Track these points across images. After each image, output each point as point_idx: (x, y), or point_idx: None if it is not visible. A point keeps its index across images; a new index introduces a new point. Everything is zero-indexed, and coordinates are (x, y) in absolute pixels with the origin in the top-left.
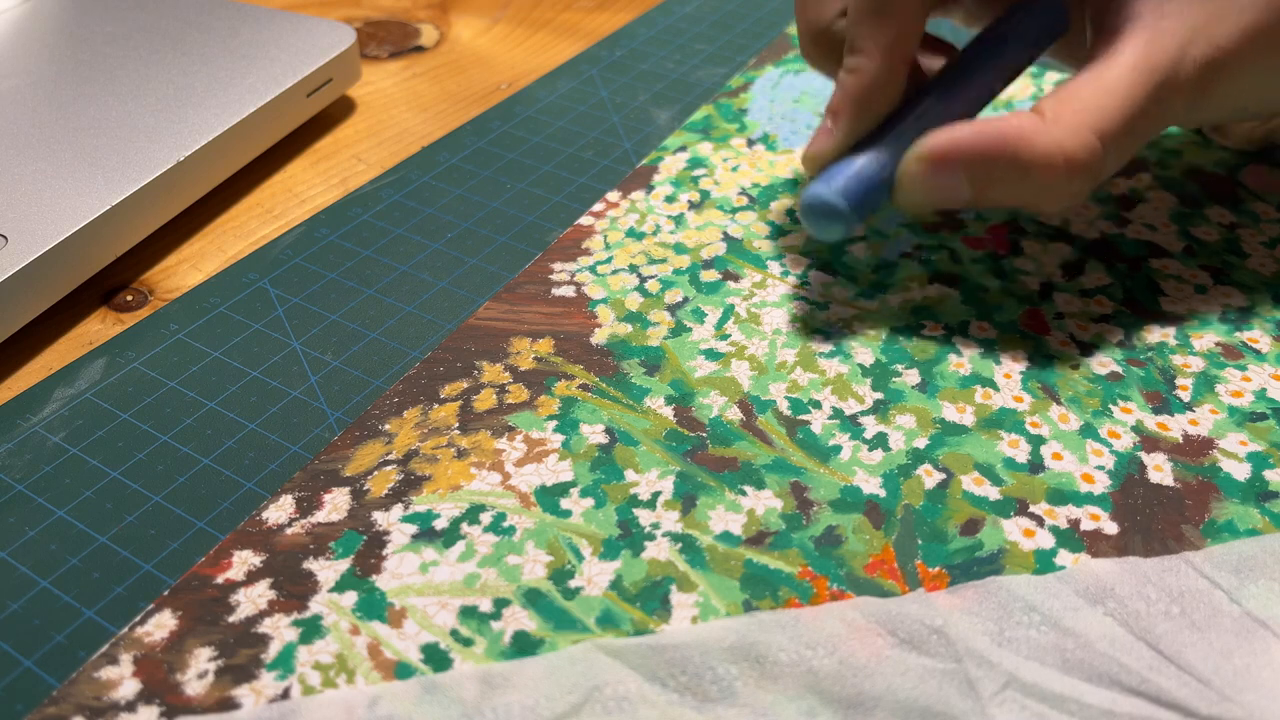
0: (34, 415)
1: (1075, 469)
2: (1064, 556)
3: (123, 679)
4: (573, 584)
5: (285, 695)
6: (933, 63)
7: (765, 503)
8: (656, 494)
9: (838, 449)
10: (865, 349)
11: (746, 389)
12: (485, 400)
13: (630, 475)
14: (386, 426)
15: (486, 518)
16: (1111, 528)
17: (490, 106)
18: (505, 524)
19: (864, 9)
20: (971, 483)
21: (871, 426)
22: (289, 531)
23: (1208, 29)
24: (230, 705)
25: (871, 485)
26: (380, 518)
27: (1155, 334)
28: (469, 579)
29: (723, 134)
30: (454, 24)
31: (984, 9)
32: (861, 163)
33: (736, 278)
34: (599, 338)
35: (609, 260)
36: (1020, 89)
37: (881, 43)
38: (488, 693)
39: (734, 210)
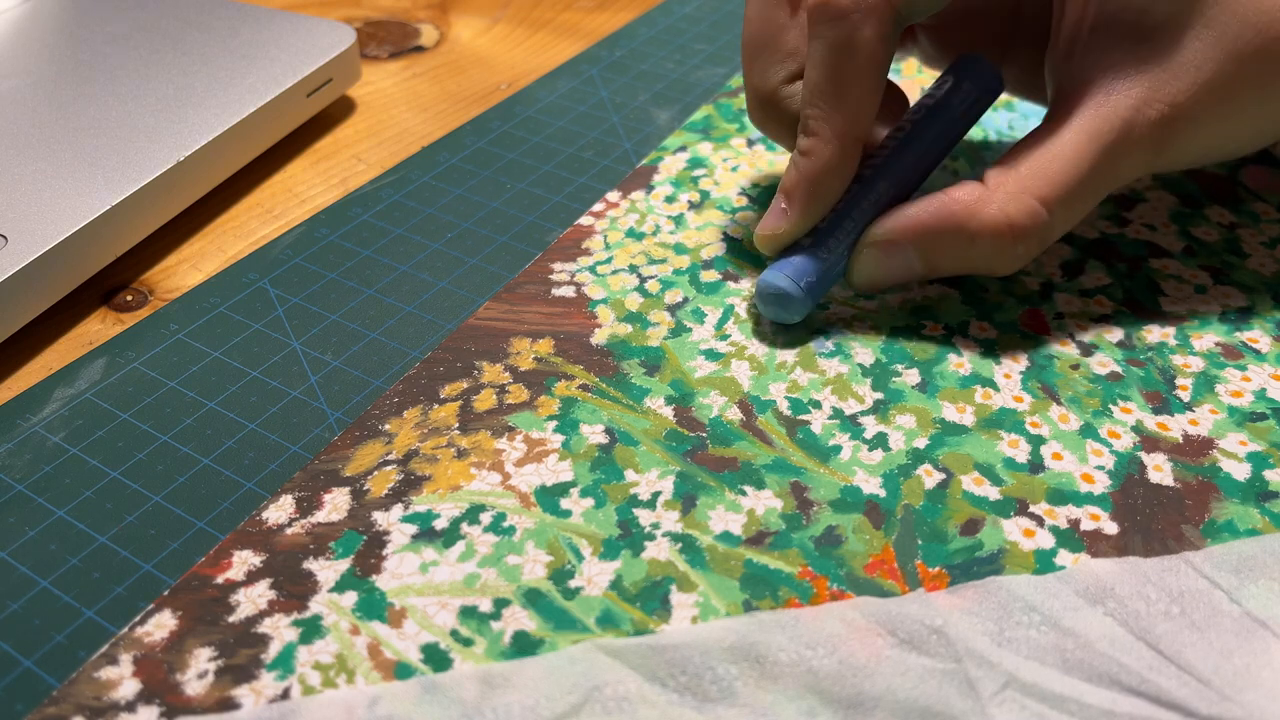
0: (34, 415)
1: (1075, 469)
2: (1064, 556)
3: (123, 679)
4: (573, 584)
5: (285, 695)
6: (879, 128)
7: (765, 503)
8: (656, 494)
9: (838, 449)
10: (865, 349)
11: (746, 389)
12: (485, 400)
13: (630, 475)
14: (386, 426)
15: (486, 518)
16: (1111, 528)
17: (490, 106)
18: (505, 524)
19: (819, 92)
20: (971, 483)
21: (871, 426)
22: (289, 531)
23: (1161, 88)
24: (230, 705)
25: (871, 485)
26: (380, 518)
27: (1155, 334)
28: (469, 579)
29: (723, 134)
30: (454, 24)
31: (940, 51)
32: (815, 251)
33: (736, 278)
34: (599, 338)
35: (609, 260)
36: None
37: (837, 128)
38: (488, 693)
39: (734, 210)
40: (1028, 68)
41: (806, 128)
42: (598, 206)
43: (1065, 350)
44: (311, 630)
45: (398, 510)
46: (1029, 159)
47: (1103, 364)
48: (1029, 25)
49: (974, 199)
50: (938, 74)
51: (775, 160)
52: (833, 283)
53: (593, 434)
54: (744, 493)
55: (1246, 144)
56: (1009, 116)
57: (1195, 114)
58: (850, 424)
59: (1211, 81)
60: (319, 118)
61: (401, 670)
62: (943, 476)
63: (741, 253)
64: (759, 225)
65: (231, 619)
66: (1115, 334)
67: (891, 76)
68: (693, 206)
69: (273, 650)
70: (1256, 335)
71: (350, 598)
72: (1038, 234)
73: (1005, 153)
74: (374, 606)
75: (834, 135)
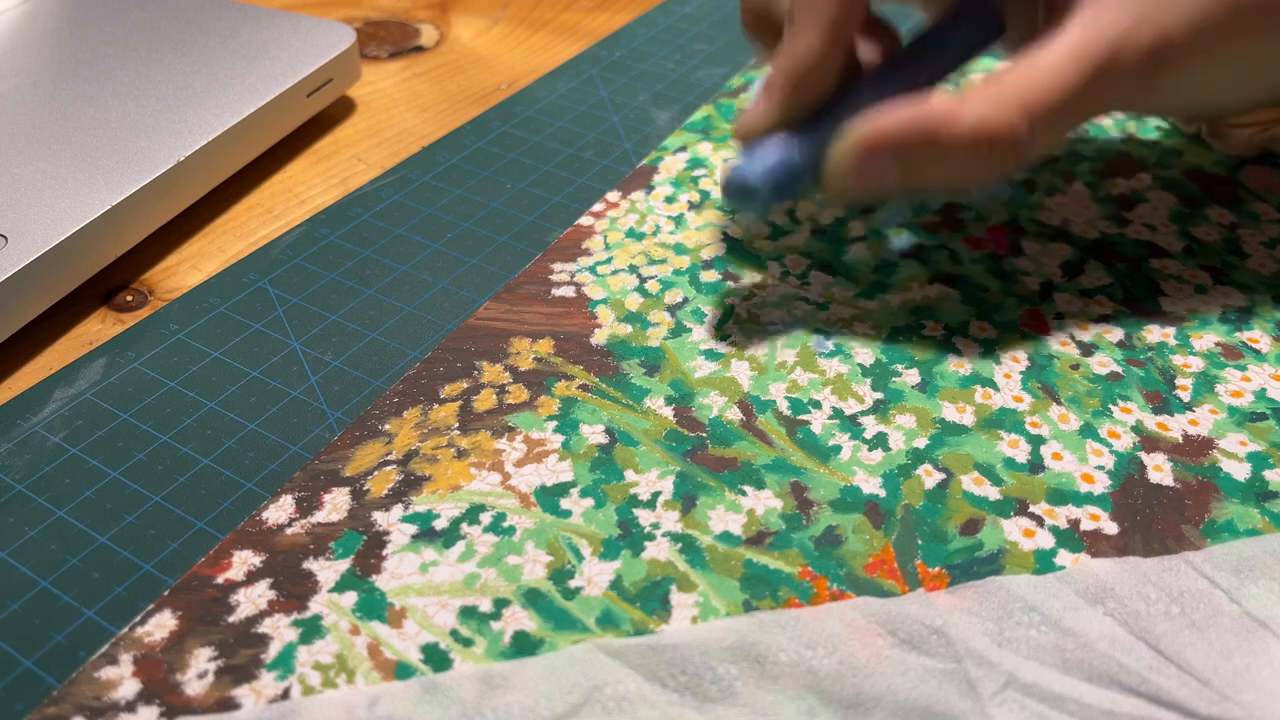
0: (34, 415)
1: (1075, 469)
2: (1064, 556)
3: (123, 679)
4: (573, 584)
5: (285, 695)
6: (871, 53)
7: (765, 503)
8: (656, 494)
9: (838, 449)
10: (865, 349)
11: (746, 389)
12: (485, 400)
13: (630, 475)
14: (386, 426)
15: (486, 518)
16: (1111, 528)
17: (490, 106)
18: (505, 524)
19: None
20: (971, 483)
21: (871, 426)
22: (289, 531)
23: (1155, 16)
24: (230, 705)
25: (871, 485)
26: (380, 518)
27: (1155, 334)
28: (469, 579)
29: (723, 134)
30: (454, 24)
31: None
32: (787, 147)
33: (736, 278)
34: (599, 338)
35: (609, 260)
36: None
37: (822, 23)
38: (488, 693)
39: (734, 210)
40: (1027, 23)
41: (792, 19)
42: (598, 207)
43: (1065, 350)
44: (311, 630)
45: (398, 510)
46: (1014, 71)
47: (1103, 364)
48: None
49: (952, 104)
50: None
51: None
52: (799, 185)
53: (593, 434)
54: (744, 493)
55: (1233, 96)
56: None
57: (1187, 48)
58: (850, 424)
59: (1206, 17)
60: (319, 118)
61: (401, 670)
62: (943, 476)
63: (742, 253)
64: (742, 117)
65: (231, 619)
66: (1115, 334)
67: None
68: (693, 206)
69: (273, 650)
70: (1256, 335)
71: (350, 598)
72: (1014, 145)
73: (988, 74)
74: (374, 606)
75: (819, 28)
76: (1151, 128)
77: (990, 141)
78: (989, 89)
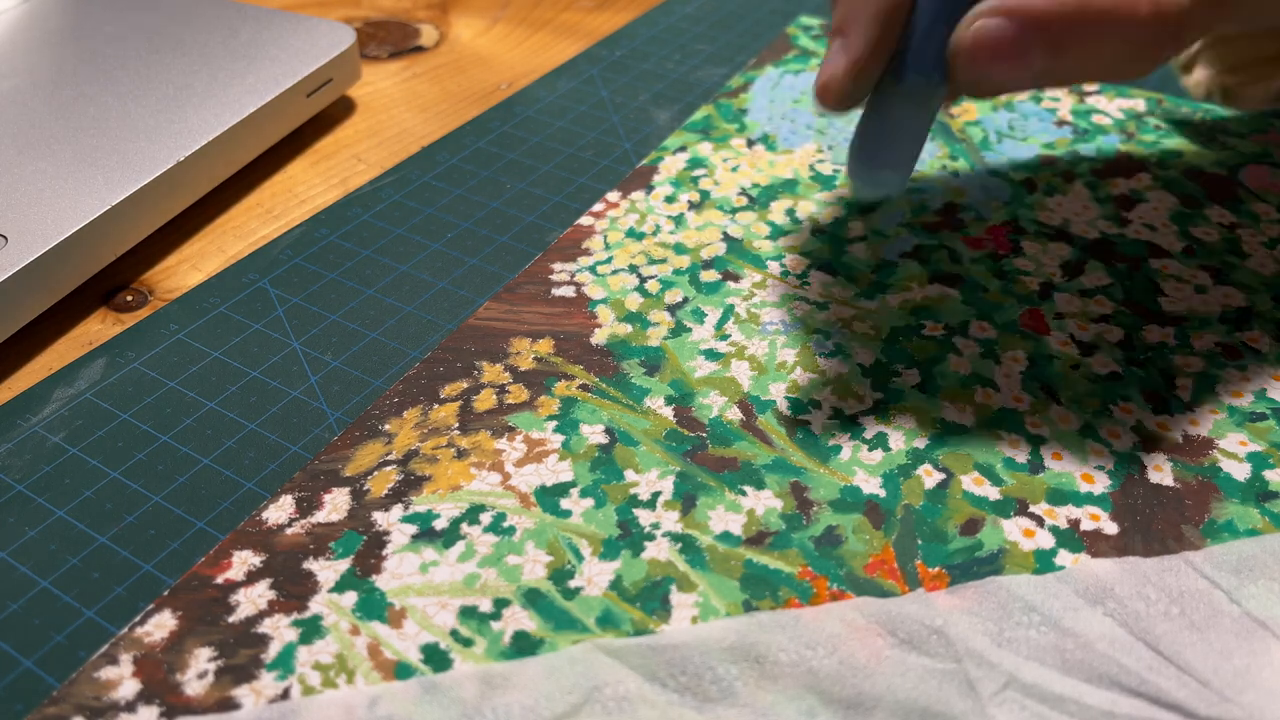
0: (34, 415)
1: (1075, 469)
2: (1064, 556)
3: (123, 679)
4: (573, 584)
5: (285, 695)
6: None
7: (765, 503)
8: (656, 494)
9: (838, 449)
10: (865, 349)
11: (746, 389)
12: (485, 400)
13: (630, 475)
14: (386, 426)
15: (486, 518)
16: (1111, 528)
17: (490, 106)
18: (505, 524)
19: None
20: (971, 483)
21: (871, 426)
22: (289, 531)
23: None
24: (230, 705)
25: (871, 485)
26: (380, 518)
27: (1155, 334)
28: (469, 579)
29: (723, 134)
30: (454, 24)
31: None
32: (897, 120)
33: (736, 278)
34: (599, 338)
35: (609, 260)
36: None
37: None
38: (488, 693)
39: (734, 210)
40: None
41: None
42: (598, 206)
43: (1065, 350)
44: (311, 630)
45: (398, 510)
46: None
47: (1103, 364)
48: None
49: None
50: None
51: (775, 160)
52: (928, 129)
53: (593, 434)
54: (744, 493)
55: None
56: (1009, 116)
57: None
58: (850, 424)
59: None
60: (319, 118)
61: (401, 670)
62: (943, 476)
63: (742, 253)
64: (817, 74)
65: (231, 619)
66: (1115, 334)
67: None
68: (693, 206)
69: (273, 650)
70: (1256, 335)
71: (350, 598)
72: (1179, 19)
73: None
74: (374, 606)
75: None
76: (1150, 127)
77: (1154, 11)
78: None
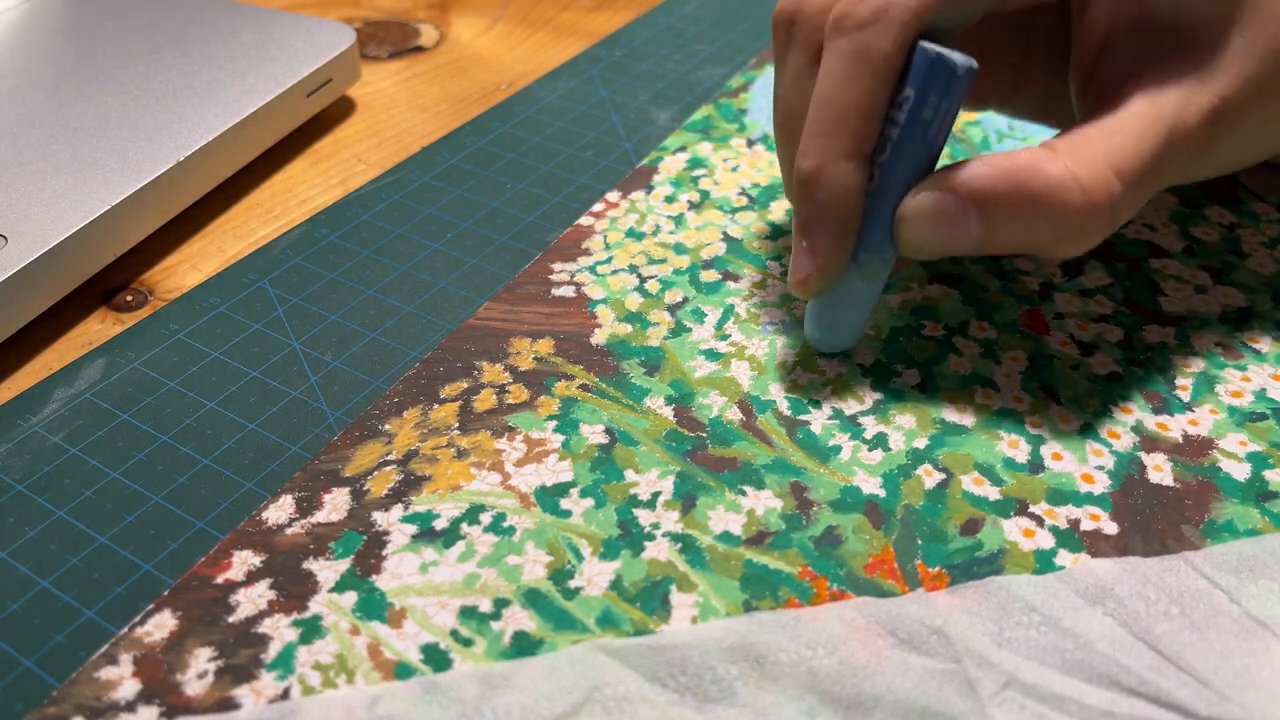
0: (34, 415)
1: (1075, 469)
2: (1064, 556)
3: (123, 679)
4: (573, 584)
5: (285, 695)
6: None
7: (765, 503)
8: (656, 494)
9: (838, 449)
10: (865, 349)
11: (746, 389)
12: (485, 400)
13: (630, 475)
14: (386, 426)
15: (486, 518)
16: (1111, 528)
17: (490, 106)
18: (505, 524)
19: (828, 107)
20: (971, 483)
21: (871, 426)
22: (289, 531)
23: (1208, 82)
24: (230, 705)
25: (871, 485)
26: (380, 518)
27: (1155, 334)
28: (469, 579)
29: (723, 134)
30: (454, 24)
31: (1049, 102)
32: (852, 294)
33: (736, 278)
34: (599, 338)
35: (609, 260)
36: None
37: (846, 146)
38: (488, 693)
39: (734, 210)
40: (1039, 96)
41: (810, 149)
42: (598, 206)
43: (1065, 350)
44: (311, 630)
45: (398, 510)
46: (1089, 132)
47: (1103, 364)
48: (1042, 51)
49: (1038, 156)
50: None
51: (775, 160)
52: (878, 296)
53: (593, 434)
54: (744, 493)
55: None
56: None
57: (1241, 107)
58: (850, 424)
59: (1255, 76)
60: (319, 118)
61: (401, 670)
62: (943, 476)
63: (742, 253)
64: (790, 274)
65: (231, 619)
66: (1115, 334)
67: None
68: (693, 206)
69: (273, 650)
70: (1256, 335)
71: (350, 598)
72: (1111, 207)
73: (1060, 133)
74: (374, 607)
75: (842, 153)
76: None
77: (1085, 199)
78: (1073, 147)
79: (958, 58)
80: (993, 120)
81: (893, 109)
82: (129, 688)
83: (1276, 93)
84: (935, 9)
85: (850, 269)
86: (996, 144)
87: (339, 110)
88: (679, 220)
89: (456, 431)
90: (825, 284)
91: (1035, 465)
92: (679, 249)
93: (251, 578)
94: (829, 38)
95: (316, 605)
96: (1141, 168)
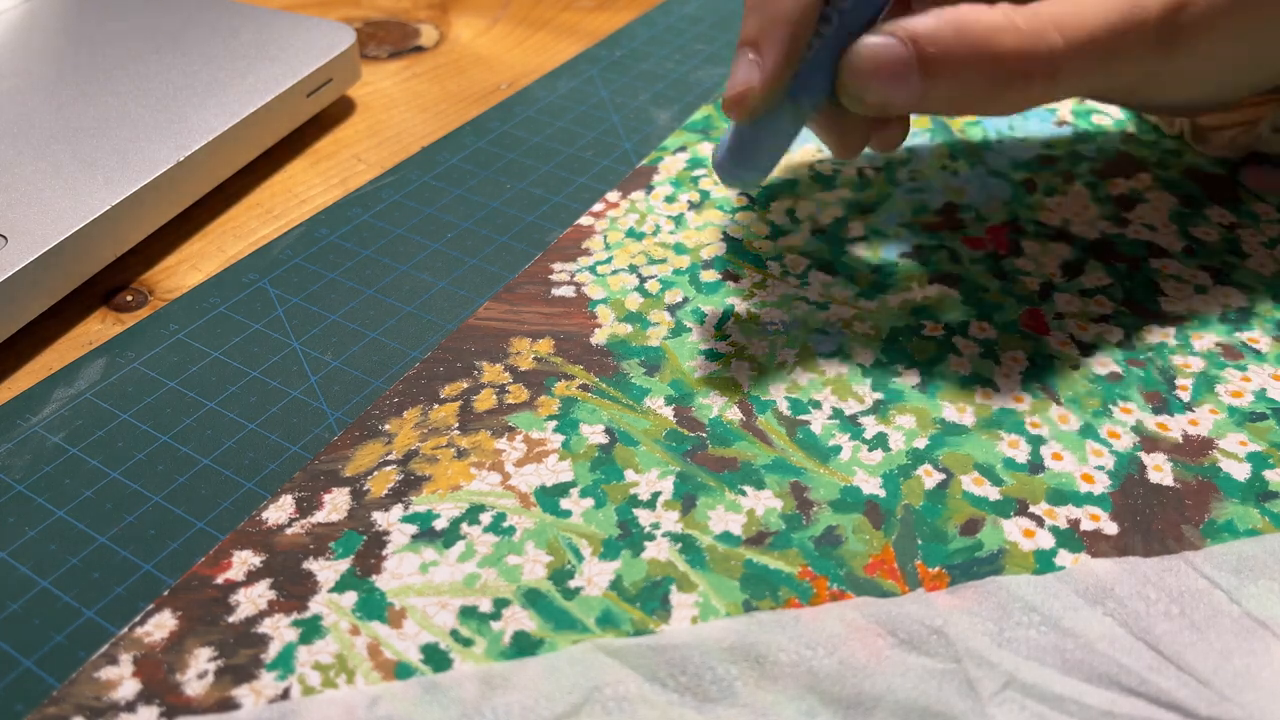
0: (34, 415)
1: (1075, 469)
2: (1064, 557)
3: (123, 679)
4: (573, 584)
5: (285, 695)
6: None
7: (765, 503)
8: (656, 494)
9: (838, 449)
10: (865, 349)
11: (746, 389)
12: (485, 400)
13: (630, 475)
14: (386, 426)
15: (486, 518)
16: (1111, 528)
17: (490, 106)
18: (505, 524)
19: None
20: (971, 483)
21: (871, 426)
22: (289, 531)
23: None
24: (230, 705)
25: (871, 485)
26: (380, 518)
27: (1155, 334)
28: (469, 579)
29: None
30: (454, 24)
31: None
32: (774, 129)
33: (736, 278)
34: (599, 338)
35: (609, 260)
36: None
37: None
38: (488, 693)
39: (734, 210)
40: None
41: None
42: (598, 206)
43: (1065, 350)
44: (311, 630)
45: (398, 510)
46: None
47: (1103, 364)
48: None
49: (984, 11)
50: None
51: None
52: (796, 137)
53: (593, 434)
54: (744, 493)
55: (1249, 79)
56: (1009, 117)
57: (1208, 14)
58: (850, 424)
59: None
60: (319, 118)
61: (401, 670)
62: (943, 476)
63: (742, 253)
64: (727, 88)
65: (231, 619)
66: (1115, 334)
67: None
68: (692, 206)
69: (273, 650)
70: (1256, 335)
71: (350, 598)
72: (1051, 66)
73: None
74: (374, 606)
75: None
76: (1150, 128)
77: (1023, 55)
78: (1025, 7)
79: None
80: (992, 120)
81: None
82: (129, 688)
83: (1247, 16)
84: None
85: (784, 103)
86: (996, 144)
87: (339, 110)
88: (679, 220)
89: (456, 431)
90: (763, 102)
91: (1035, 465)
92: (679, 249)
93: (251, 578)
94: None
95: (316, 605)
96: (1086, 34)
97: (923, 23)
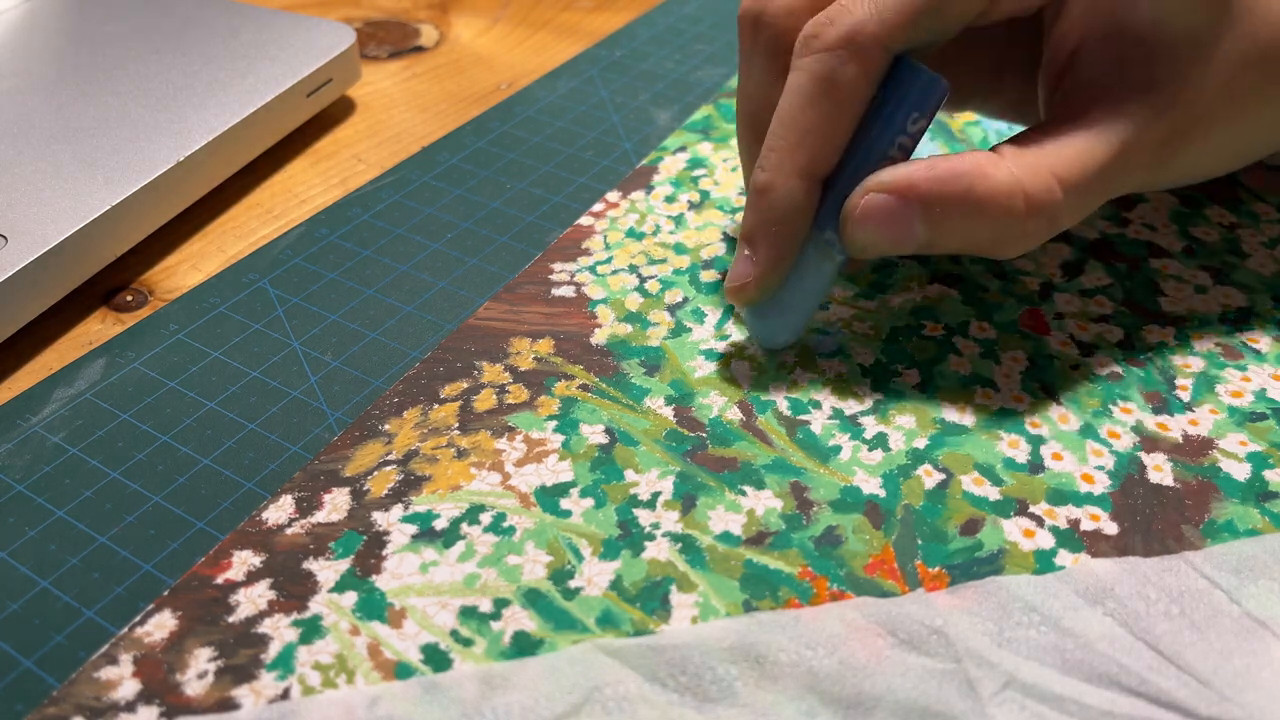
0: (34, 415)
1: (1075, 469)
2: (1064, 556)
3: (123, 679)
4: (573, 584)
5: (285, 695)
6: None
7: (765, 503)
8: (656, 494)
9: (838, 449)
10: (865, 349)
11: (746, 389)
12: (485, 400)
13: (630, 475)
14: (386, 426)
15: (486, 518)
16: (1111, 528)
17: (490, 106)
18: (505, 524)
19: (788, 124)
20: (971, 483)
21: (871, 426)
22: (289, 531)
23: (1175, 99)
24: (230, 706)
25: (871, 485)
26: (380, 518)
27: (1155, 334)
28: (469, 579)
29: (723, 134)
30: (454, 24)
31: (1026, 103)
32: (793, 300)
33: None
34: (599, 338)
35: (609, 260)
36: None
37: (800, 164)
38: (488, 693)
39: (734, 210)
40: (1016, 97)
41: (767, 162)
42: (598, 206)
43: (1065, 350)
44: (311, 630)
45: (398, 510)
46: (1042, 138)
47: (1103, 364)
48: (1017, 55)
49: (988, 163)
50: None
51: None
52: (819, 300)
53: (593, 434)
54: (744, 493)
55: (1250, 154)
56: None
57: (1209, 119)
58: (850, 424)
59: (1226, 87)
60: (319, 118)
61: (401, 670)
62: (943, 476)
63: None
64: (727, 278)
65: (231, 619)
66: (1115, 334)
67: None
68: (693, 206)
69: (273, 650)
70: (1256, 335)
71: (350, 598)
72: (1049, 211)
73: (1013, 136)
74: (374, 607)
75: (796, 171)
76: None
77: (1026, 204)
78: (1021, 151)
79: (932, 76)
80: (993, 120)
81: (870, 111)
82: (129, 688)
83: (1245, 105)
84: (904, 38)
85: (802, 254)
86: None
87: (339, 110)
88: (679, 220)
89: (456, 431)
90: (759, 294)
91: (1035, 465)
92: (679, 249)
93: (251, 578)
94: (797, 54)
95: (316, 605)
96: (1085, 177)
97: (923, 179)
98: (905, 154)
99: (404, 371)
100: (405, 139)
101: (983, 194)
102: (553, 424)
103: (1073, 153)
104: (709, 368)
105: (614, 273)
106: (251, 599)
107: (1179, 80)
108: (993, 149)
